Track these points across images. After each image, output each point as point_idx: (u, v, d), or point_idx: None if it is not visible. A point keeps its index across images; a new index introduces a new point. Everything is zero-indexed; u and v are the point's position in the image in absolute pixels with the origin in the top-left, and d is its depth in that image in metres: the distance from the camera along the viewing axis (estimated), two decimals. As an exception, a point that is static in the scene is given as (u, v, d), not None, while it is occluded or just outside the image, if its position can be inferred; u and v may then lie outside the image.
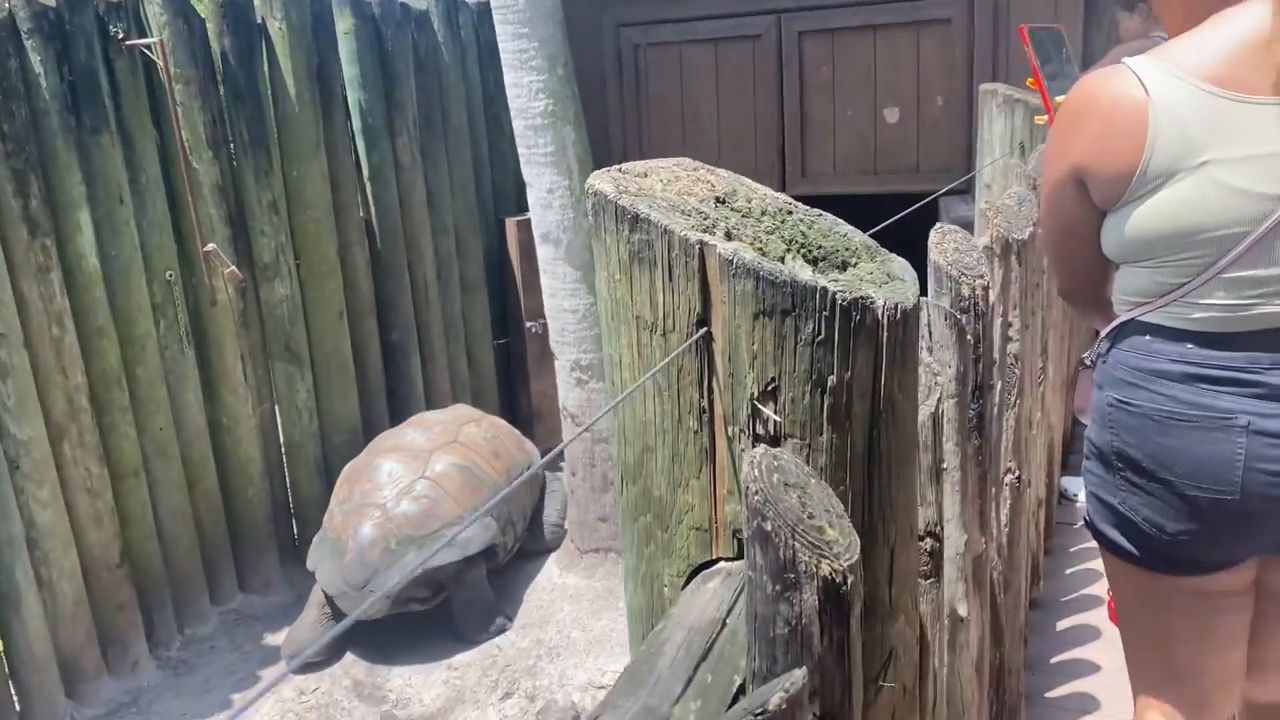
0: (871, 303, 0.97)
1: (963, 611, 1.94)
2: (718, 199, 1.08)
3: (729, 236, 1.00)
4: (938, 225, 2.04)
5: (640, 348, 1.06)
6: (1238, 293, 1.62)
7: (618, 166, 1.10)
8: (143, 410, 4.58)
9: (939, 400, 1.67)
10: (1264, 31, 1.55)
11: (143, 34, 4.50)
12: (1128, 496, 1.79)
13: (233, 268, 4.74)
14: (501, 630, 4.69)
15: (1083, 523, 2.05)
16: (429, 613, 4.67)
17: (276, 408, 5.18)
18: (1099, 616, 3.52)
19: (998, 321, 2.42)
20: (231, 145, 4.86)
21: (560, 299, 4.71)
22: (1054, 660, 3.39)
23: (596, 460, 4.86)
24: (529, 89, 4.44)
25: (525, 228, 6.26)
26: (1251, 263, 1.59)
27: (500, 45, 4.49)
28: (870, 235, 1.13)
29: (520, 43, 4.39)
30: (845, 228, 1.10)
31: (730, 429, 1.03)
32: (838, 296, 0.96)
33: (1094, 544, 1.96)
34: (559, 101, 4.46)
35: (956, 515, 1.87)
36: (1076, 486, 4.36)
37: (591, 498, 4.92)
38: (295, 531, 5.33)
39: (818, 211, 1.12)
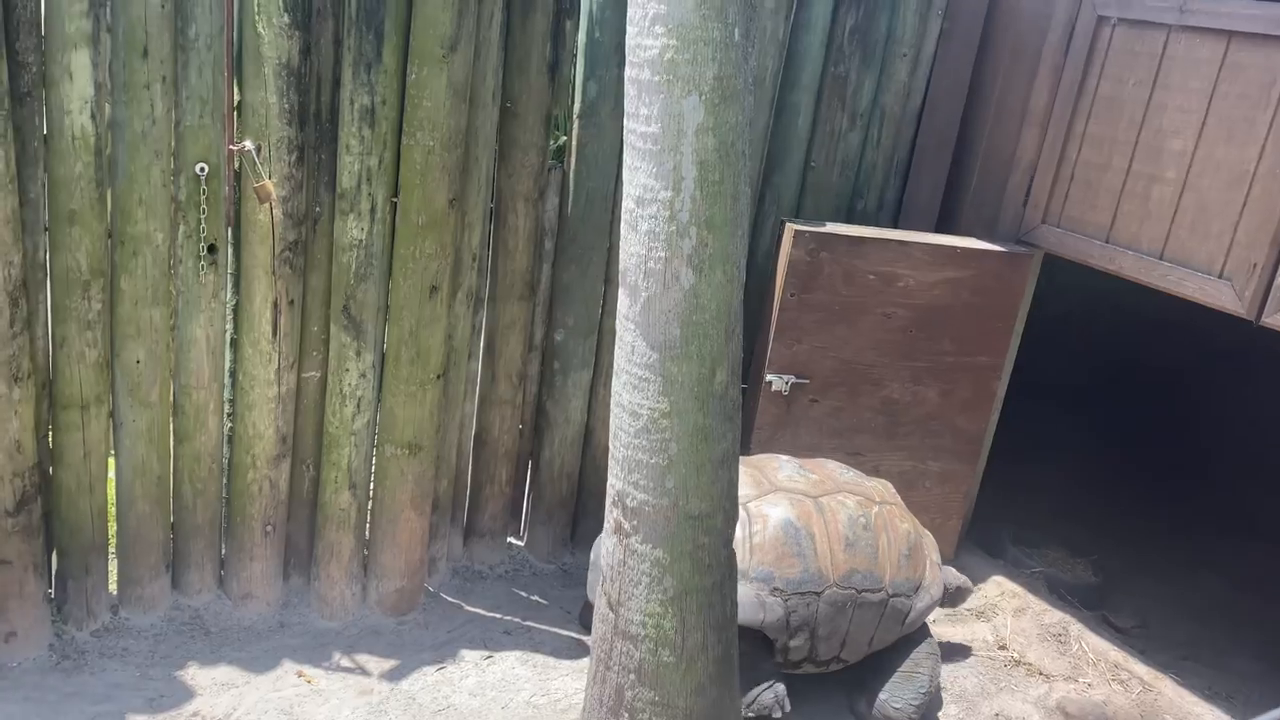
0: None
1: None
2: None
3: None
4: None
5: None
6: None
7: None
8: (118, 332, 3.47)
9: None
10: None
11: None
12: None
13: (265, 181, 3.38)
14: None
15: None
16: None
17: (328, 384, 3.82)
18: None
19: None
20: (336, 20, 3.44)
21: (620, 384, 2.71)
22: None
23: (614, 661, 2.86)
24: (643, 13, 2.43)
25: (808, 242, 4.21)
26: None
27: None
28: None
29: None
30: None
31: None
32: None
33: None
34: (688, 47, 2.39)
35: None
36: None
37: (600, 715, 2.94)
38: (311, 543, 3.99)
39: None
